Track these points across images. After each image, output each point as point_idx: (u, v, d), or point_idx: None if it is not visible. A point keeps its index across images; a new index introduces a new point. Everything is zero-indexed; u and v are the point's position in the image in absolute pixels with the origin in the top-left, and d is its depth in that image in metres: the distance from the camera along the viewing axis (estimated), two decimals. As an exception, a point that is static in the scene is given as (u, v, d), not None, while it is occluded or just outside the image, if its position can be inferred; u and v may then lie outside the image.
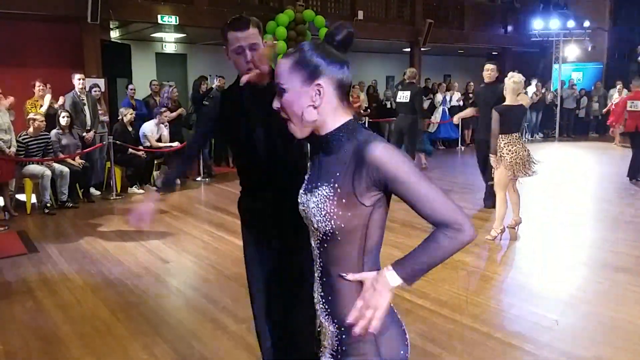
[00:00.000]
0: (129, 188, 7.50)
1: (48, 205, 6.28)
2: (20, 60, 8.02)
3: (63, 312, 3.58)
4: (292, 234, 1.94)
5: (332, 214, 1.23)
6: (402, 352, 1.32)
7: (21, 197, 6.61)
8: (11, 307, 3.64)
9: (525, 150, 4.93)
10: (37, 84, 7.02)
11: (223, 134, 2.35)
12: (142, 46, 12.23)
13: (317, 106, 1.24)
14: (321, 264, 1.30)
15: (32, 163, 6.31)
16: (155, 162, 7.84)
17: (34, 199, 6.47)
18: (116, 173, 7.28)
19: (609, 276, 4.13)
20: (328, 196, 1.23)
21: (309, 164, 1.39)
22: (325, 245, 1.27)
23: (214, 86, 9.19)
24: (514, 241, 5.08)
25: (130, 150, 7.41)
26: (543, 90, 14.10)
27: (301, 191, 1.34)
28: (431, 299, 3.68)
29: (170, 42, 12.89)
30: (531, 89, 13.53)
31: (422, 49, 13.30)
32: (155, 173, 7.86)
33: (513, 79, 4.96)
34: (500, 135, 4.96)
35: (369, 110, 11.77)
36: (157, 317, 3.50)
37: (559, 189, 7.73)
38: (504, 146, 4.91)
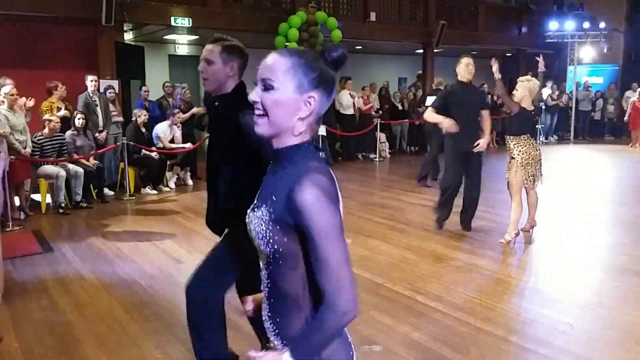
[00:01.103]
0: (142, 189, 7.55)
1: (62, 205, 6.35)
2: (35, 62, 8.12)
3: (78, 310, 3.61)
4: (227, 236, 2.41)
5: (268, 238, 1.17)
6: None
7: (36, 197, 6.69)
8: (27, 306, 3.68)
9: (536, 150, 4.91)
10: (60, 86, 7.11)
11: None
12: (155, 48, 12.33)
13: (300, 117, 1.19)
14: (268, 285, 1.25)
15: (47, 163, 6.38)
16: (168, 163, 7.89)
17: (48, 199, 6.54)
18: (130, 174, 7.34)
19: (626, 280, 4.07)
20: (264, 219, 1.18)
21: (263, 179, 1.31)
22: (271, 267, 1.21)
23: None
24: (529, 244, 5.03)
25: (143, 151, 7.47)
26: (557, 92, 13.97)
27: (249, 210, 1.27)
28: (444, 302, 3.65)
29: (182, 43, 12.97)
30: (546, 91, 13.41)
31: (434, 50, 13.25)
32: (168, 174, 7.91)
33: (531, 82, 4.93)
34: (509, 137, 4.95)
35: (380, 112, 11.75)
36: (171, 316, 3.52)
37: (574, 191, 7.65)
38: (514, 147, 4.89)
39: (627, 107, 12.93)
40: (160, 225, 5.84)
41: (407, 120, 12.00)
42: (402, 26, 12.88)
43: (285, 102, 1.18)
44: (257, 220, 1.19)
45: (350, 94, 11.00)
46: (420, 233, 5.32)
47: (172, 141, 7.94)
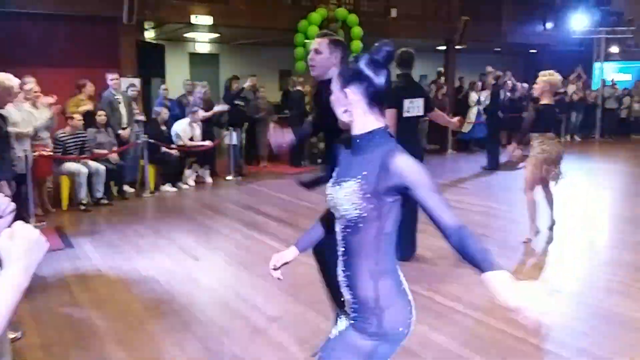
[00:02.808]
0: (162, 186, 7.61)
1: (83, 202, 6.43)
2: (58, 60, 8.25)
3: (97, 307, 3.64)
4: None
5: (357, 205, 1.48)
6: (401, 329, 1.53)
7: (58, 193, 6.79)
8: (48, 301, 3.72)
9: (558, 148, 4.80)
10: (89, 84, 7.21)
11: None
12: (176, 46, 12.43)
13: (347, 109, 1.54)
14: (344, 245, 1.56)
15: (69, 160, 6.47)
16: (187, 160, 7.93)
17: (70, 196, 6.63)
18: (150, 171, 7.40)
19: (636, 277, 3.94)
20: (355, 190, 1.48)
21: (339, 160, 1.64)
22: (349, 229, 1.53)
23: (245, 86, 9.24)
24: (550, 244, 4.91)
25: (163, 148, 7.52)
26: (583, 89, 13.65)
27: (329, 184, 1.60)
28: (464, 302, 3.58)
29: (203, 41, 13.06)
30: (571, 88, 13.12)
31: (457, 47, 13.06)
32: (187, 171, 7.95)
33: (553, 75, 4.81)
34: (533, 134, 4.84)
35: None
36: (189, 313, 3.52)
37: (596, 190, 7.46)
38: (537, 145, 4.78)
39: None
40: (179, 223, 5.87)
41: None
42: (425, 22, 12.71)
43: (336, 100, 1.58)
44: (347, 191, 1.50)
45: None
46: (440, 233, 5.25)
47: (191, 139, 7.98)
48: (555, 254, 4.73)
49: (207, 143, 8.07)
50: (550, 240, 4.99)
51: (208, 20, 9.60)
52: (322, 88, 2.57)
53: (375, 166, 1.46)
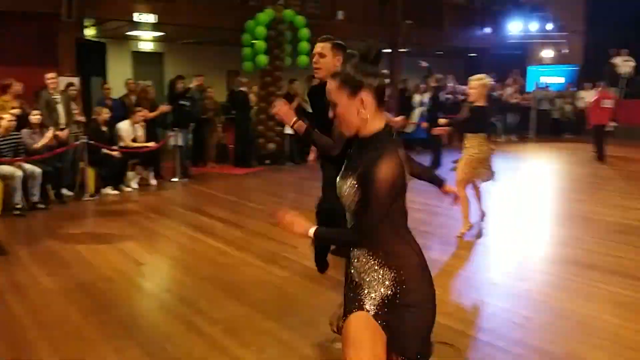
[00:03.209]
0: (102, 189, 7.36)
1: (18, 206, 6.12)
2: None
3: (32, 316, 3.48)
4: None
5: (356, 198, 1.65)
6: (428, 294, 1.74)
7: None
8: (-22, 312, 3.53)
9: (489, 148, 5.05)
10: (15, 83, 6.85)
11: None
12: (118, 44, 12.05)
13: (362, 113, 1.64)
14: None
15: (2, 163, 6.14)
16: (130, 162, 7.72)
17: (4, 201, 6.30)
18: (90, 174, 7.14)
19: (579, 273, 4.19)
20: (353, 185, 1.65)
21: (349, 155, 1.78)
22: (356, 217, 1.69)
23: (191, 86, 9.08)
24: (483, 237, 5.14)
25: (104, 150, 7.28)
26: (519, 92, 14.33)
27: (338, 178, 1.75)
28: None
29: (147, 40, 12.72)
30: (508, 90, 13.72)
31: (401, 50, 13.38)
32: (130, 173, 7.73)
33: (484, 79, 5.06)
34: (467, 135, 5.09)
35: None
36: (130, 320, 3.44)
37: (532, 188, 7.86)
38: (470, 145, 5.04)
39: (583, 106, 13.42)
40: (121, 227, 5.70)
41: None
42: (370, 25, 12.95)
43: (346, 110, 1.65)
44: (348, 186, 1.66)
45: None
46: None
47: (134, 140, 7.77)
48: (490, 248, 4.95)
49: (151, 144, 7.87)
50: (482, 233, 5.22)
51: (152, 18, 9.37)
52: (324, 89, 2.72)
53: (366, 166, 1.61)
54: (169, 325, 3.35)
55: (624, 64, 15.37)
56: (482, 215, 5.39)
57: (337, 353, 2.93)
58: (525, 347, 3.01)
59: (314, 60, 2.95)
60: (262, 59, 10.03)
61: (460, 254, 4.77)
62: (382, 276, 1.68)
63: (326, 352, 2.96)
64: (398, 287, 1.67)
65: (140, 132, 7.88)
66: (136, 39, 12.40)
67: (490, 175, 5.15)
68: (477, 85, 5.01)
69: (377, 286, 1.69)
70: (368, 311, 1.69)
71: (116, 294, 3.86)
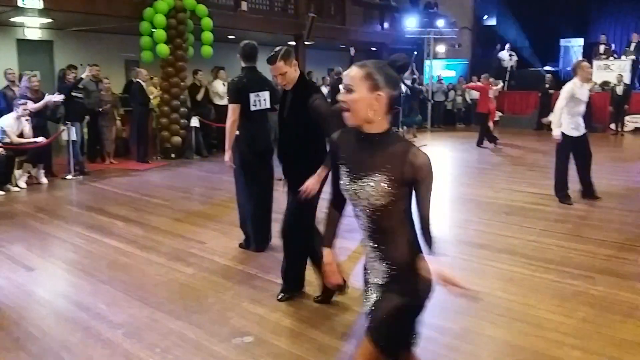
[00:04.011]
0: (-14, 189, 6.70)
1: None
2: None
3: None
4: (294, 183, 3.29)
5: (386, 194, 1.72)
6: (432, 283, 1.83)
7: None
8: None
9: None
10: None
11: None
12: (1, 32, 10.95)
13: (374, 109, 1.72)
14: (374, 227, 1.81)
15: None
16: (17, 160, 7.08)
17: None
18: (-31, 173, 6.46)
19: (472, 252, 4.52)
20: (383, 181, 1.72)
21: (342, 156, 1.85)
22: (379, 214, 1.77)
23: (83, 76, 8.48)
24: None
25: (-15, 147, 6.62)
26: (413, 85, 15.10)
27: (345, 181, 1.81)
28: (316, 287, 3.75)
29: (33, 27, 11.66)
30: (407, 83, 14.36)
31: (305, 42, 13.49)
32: (17, 172, 7.10)
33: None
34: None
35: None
36: (20, 330, 3.18)
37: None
38: None
39: (473, 97, 14.49)
40: (8, 230, 5.23)
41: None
42: (273, 17, 12.91)
43: (361, 100, 1.72)
44: (376, 183, 1.73)
45: (223, 83, 10.78)
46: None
47: (20, 135, 7.13)
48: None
49: (40, 140, 7.28)
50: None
51: (38, 4, 8.60)
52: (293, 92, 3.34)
53: (398, 160, 1.71)
54: (66, 333, 3.15)
55: (508, 58, 16.76)
56: None
57: (245, 348, 2.93)
58: (439, 329, 3.11)
59: (279, 80, 3.31)
60: (163, 48, 9.63)
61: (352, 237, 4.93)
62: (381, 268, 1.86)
63: (235, 349, 2.94)
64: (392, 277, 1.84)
65: (27, 126, 7.25)
66: (22, 25, 11.31)
67: None
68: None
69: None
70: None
71: (4, 303, 3.54)
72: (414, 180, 1.72)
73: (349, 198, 1.84)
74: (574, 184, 6.35)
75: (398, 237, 1.80)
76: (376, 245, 1.84)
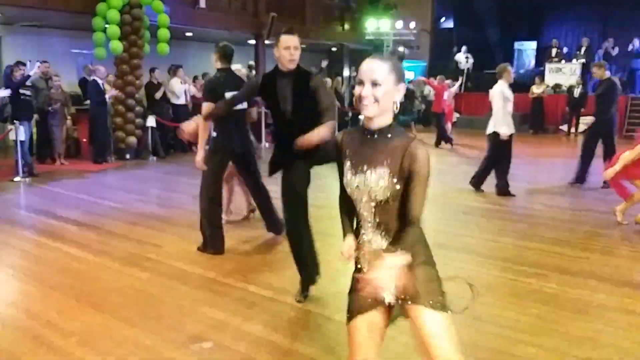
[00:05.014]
0: None
1: None
2: None
3: None
4: (294, 169, 3.35)
5: (388, 187, 1.76)
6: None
7: None
8: None
9: None
10: None
11: (263, 100, 3.54)
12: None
13: (395, 101, 1.78)
14: (376, 220, 1.84)
15: None
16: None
17: None
18: None
19: (433, 252, 4.57)
20: (386, 174, 1.76)
21: (347, 153, 1.86)
22: (382, 204, 1.81)
23: (31, 73, 8.10)
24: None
25: None
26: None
27: (348, 175, 1.84)
28: (276, 289, 3.71)
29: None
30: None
31: (265, 42, 13.40)
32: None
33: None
34: None
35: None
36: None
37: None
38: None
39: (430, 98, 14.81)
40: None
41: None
42: (233, 15, 12.76)
43: (388, 93, 1.75)
44: (378, 176, 1.76)
45: (181, 82, 10.56)
46: (253, 223, 5.37)
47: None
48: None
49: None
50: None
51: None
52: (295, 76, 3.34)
53: (399, 153, 1.74)
54: (15, 343, 2.98)
55: (465, 61, 17.19)
56: (252, 208, 5.45)
57: (204, 354, 2.86)
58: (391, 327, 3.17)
59: (291, 54, 3.25)
60: (117, 45, 9.33)
61: (331, 242, 4.92)
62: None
63: (193, 355, 2.86)
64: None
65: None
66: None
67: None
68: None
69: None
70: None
71: (-58, 315, 3.33)
72: (410, 173, 1.74)
73: (351, 193, 1.85)
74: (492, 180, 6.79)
75: (399, 225, 1.82)
76: (382, 232, 1.86)
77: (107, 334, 3.08)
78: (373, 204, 1.81)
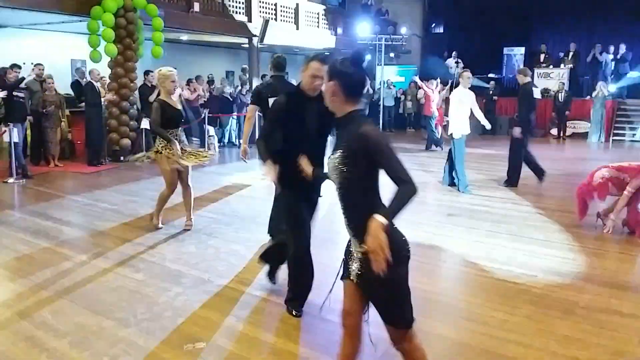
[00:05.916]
0: None
1: None
2: None
3: None
4: (316, 191, 3.35)
5: (342, 171, 1.99)
6: (407, 250, 2.14)
7: None
8: None
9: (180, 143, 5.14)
10: None
11: (285, 123, 3.27)
12: None
13: (333, 96, 2.06)
14: (341, 201, 2.08)
15: None
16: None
17: None
18: None
19: (420, 253, 4.47)
20: (339, 159, 1.99)
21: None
22: (342, 190, 2.06)
23: (26, 76, 8.10)
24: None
25: None
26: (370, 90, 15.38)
27: (328, 156, 2.09)
28: (268, 289, 3.75)
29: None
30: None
31: (259, 45, 13.45)
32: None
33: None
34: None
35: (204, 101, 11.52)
36: (-44, 343, 3.01)
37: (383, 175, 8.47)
38: (159, 142, 5.15)
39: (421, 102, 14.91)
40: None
41: (236, 113, 12.05)
42: (226, 19, 12.80)
43: (327, 89, 2.08)
44: (336, 160, 2.00)
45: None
46: (249, 226, 5.40)
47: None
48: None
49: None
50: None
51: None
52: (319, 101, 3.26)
53: (350, 136, 1.96)
54: (8, 344, 3.00)
55: (454, 65, 17.33)
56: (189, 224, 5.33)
57: (197, 354, 2.89)
58: (377, 326, 3.16)
59: (316, 82, 3.15)
60: (111, 48, 9.35)
61: (327, 245, 4.95)
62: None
63: (187, 355, 2.89)
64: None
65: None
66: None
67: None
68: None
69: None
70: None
71: (-64, 316, 3.34)
72: (367, 153, 1.92)
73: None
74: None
75: (361, 212, 1.96)
76: (345, 219, 2.09)
77: (100, 334, 3.11)
78: (337, 186, 2.08)
